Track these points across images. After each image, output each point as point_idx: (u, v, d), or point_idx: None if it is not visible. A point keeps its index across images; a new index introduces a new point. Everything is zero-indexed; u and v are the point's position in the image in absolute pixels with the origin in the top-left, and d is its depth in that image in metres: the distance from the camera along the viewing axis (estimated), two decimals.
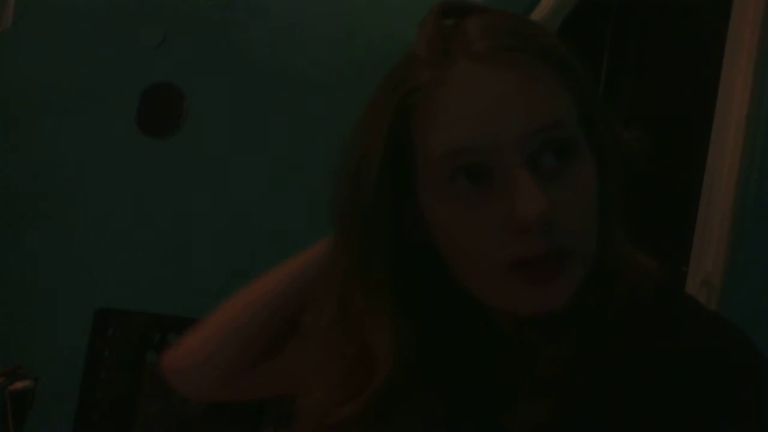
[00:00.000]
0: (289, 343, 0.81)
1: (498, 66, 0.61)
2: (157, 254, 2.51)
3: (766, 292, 1.07)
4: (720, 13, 1.26)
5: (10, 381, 1.81)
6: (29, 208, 2.59)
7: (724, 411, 0.56)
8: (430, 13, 0.66)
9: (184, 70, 2.57)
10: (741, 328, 0.62)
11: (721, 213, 1.14)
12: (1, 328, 2.50)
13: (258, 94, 2.53)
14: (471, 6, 0.66)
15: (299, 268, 0.80)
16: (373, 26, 2.42)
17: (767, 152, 1.11)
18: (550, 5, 1.99)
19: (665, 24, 1.95)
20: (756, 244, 1.10)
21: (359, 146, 0.66)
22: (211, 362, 0.84)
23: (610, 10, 2.09)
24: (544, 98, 0.61)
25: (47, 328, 2.49)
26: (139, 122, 2.57)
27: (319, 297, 0.72)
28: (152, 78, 2.57)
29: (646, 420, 0.58)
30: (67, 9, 2.63)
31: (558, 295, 0.61)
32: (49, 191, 2.58)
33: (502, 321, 0.69)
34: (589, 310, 0.63)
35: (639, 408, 0.59)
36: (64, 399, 1.91)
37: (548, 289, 0.61)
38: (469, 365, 0.71)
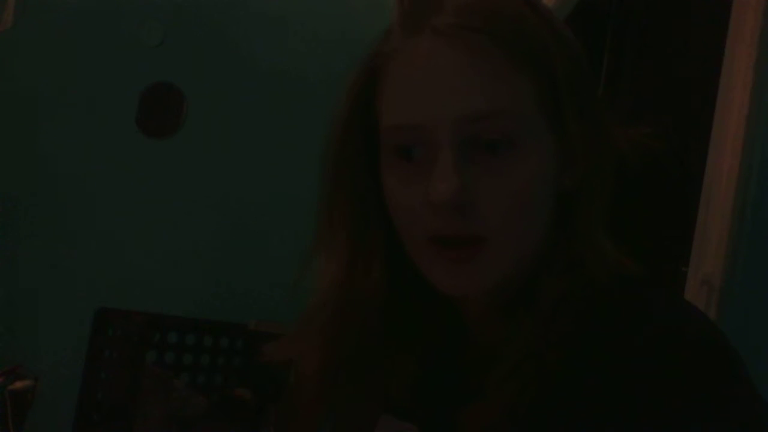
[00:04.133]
0: None
1: (453, 46, 0.61)
2: (157, 254, 2.51)
3: (766, 292, 1.07)
4: (720, 13, 1.26)
5: (10, 381, 1.81)
6: (28, 207, 2.59)
7: (678, 409, 0.55)
8: None
9: (184, 70, 2.57)
10: (712, 324, 0.61)
11: (721, 213, 1.14)
12: (1, 328, 2.50)
13: (258, 95, 2.53)
14: None
15: None
16: (373, 27, 2.41)
17: (767, 152, 1.11)
18: (550, 5, 1.99)
19: (665, 24, 1.95)
20: (756, 244, 1.10)
21: (339, 100, 0.69)
22: None
23: (610, 10, 2.09)
24: (489, 86, 0.60)
25: (47, 328, 2.49)
26: (139, 122, 2.57)
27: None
28: (152, 78, 2.57)
29: (601, 417, 0.58)
30: (67, 9, 2.63)
31: (472, 277, 0.63)
32: (49, 191, 2.58)
33: (465, 311, 0.70)
34: (547, 302, 0.62)
35: (594, 405, 0.58)
36: (64, 399, 1.91)
37: (462, 269, 0.62)
38: (437, 355, 0.71)
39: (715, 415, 0.55)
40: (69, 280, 2.53)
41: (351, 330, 0.69)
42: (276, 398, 1.84)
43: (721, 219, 1.14)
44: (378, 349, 0.70)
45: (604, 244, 0.64)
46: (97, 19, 2.62)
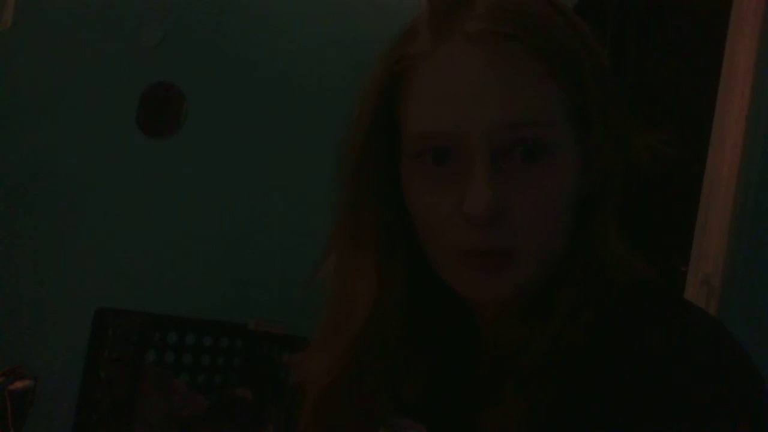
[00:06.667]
0: None
1: (485, 53, 0.59)
2: (157, 254, 2.51)
3: (766, 292, 1.07)
4: (720, 13, 1.26)
5: (10, 381, 1.81)
6: (29, 208, 2.59)
7: (690, 415, 0.54)
8: None
9: (184, 70, 2.57)
10: (729, 332, 0.60)
11: (721, 213, 1.14)
12: (1, 328, 2.50)
13: (258, 94, 2.53)
14: None
15: None
16: (373, 28, 2.42)
17: (767, 152, 1.11)
18: None
19: (665, 24, 1.95)
20: (756, 244, 1.10)
21: (357, 101, 0.67)
22: None
23: (610, 10, 2.09)
24: (523, 94, 0.59)
25: (47, 328, 2.49)
26: (139, 122, 2.57)
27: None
28: (152, 78, 2.57)
29: (619, 424, 0.57)
30: (67, 9, 2.63)
31: (499, 286, 0.62)
32: (49, 191, 2.58)
33: (479, 316, 0.69)
34: (565, 307, 0.62)
35: (612, 412, 0.57)
36: (64, 399, 1.91)
37: (490, 278, 0.62)
38: (450, 359, 0.71)
39: (735, 427, 0.54)
40: (69, 280, 2.52)
41: (374, 340, 0.69)
42: (276, 398, 1.84)
43: (721, 219, 1.14)
44: (393, 352, 0.69)
45: (619, 247, 0.64)
46: (97, 19, 2.61)
